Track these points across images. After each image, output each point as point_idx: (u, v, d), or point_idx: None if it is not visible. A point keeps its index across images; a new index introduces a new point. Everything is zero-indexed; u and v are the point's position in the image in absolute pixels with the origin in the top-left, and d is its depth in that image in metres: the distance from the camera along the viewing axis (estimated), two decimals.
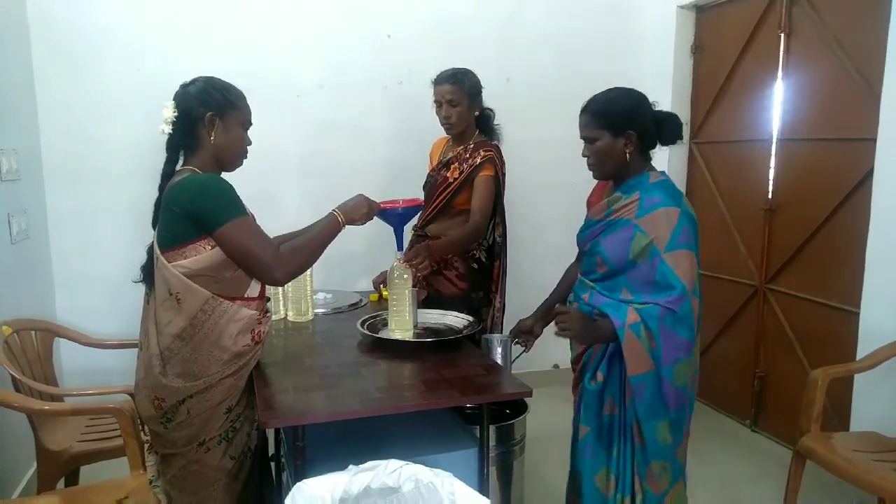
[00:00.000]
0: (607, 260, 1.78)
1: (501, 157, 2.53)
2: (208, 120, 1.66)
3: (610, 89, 1.82)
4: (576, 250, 2.03)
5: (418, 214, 2.53)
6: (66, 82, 3.01)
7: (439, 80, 2.49)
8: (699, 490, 2.75)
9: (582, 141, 1.83)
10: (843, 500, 2.56)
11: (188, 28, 3.13)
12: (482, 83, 2.54)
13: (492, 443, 2.01)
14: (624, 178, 1.81)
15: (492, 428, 1.77)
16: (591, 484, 1.81)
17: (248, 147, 1.78)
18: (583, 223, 1.93)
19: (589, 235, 1.87)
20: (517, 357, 2.12)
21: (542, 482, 2.76)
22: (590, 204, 2.04)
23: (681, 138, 1.82)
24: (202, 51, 3.13)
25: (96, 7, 3.01)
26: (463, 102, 2.45)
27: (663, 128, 1.79)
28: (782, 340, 3.15)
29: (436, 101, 2.51)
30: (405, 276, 2.06)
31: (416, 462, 1.40)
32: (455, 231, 2.49)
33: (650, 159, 1.84)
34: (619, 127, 1.74)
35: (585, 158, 1.82)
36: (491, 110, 2.62)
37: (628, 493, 1.77)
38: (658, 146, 1.83)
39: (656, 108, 1.81)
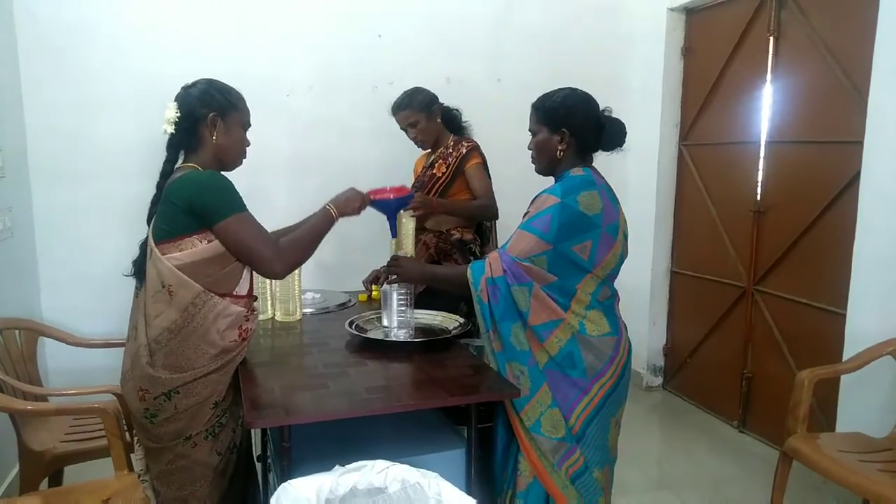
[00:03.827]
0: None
1: (482, 151, 2.65)
2: (210, 120, 1.70)
3: (561, 88, 1.88)
4: None
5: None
6: (52, 79, 2.98)
7: (393, 111, 2.66)
8: (687, 491, 2.76)
9: None
10: (829, 501, 2.58)
11: (177, 26, 3.11)
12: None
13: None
14: (556, 176, 1.87)
15: (479, 428, 1.76)
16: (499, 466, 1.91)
17: (248, 148, 1.82)
18: None
19: None
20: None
21: None
22: None
23: (621, 145, 1.85)
24: (191, 49, 3.11)
25: (84, 4, 2.98)
26: (421, 119, 2.61)
27: (603, 132, 1.83)
28: (770, 342, 3.17)
29: (401, 129, 2.66)
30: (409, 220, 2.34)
31: (403, 462, 1.39)
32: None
33: (590, 161, 1.87)
34: (556, 124, 1.82)
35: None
36: (456, 110, 2.72)
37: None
38: (602, 151, 1.86)
39: (608, 114, 1.84)
